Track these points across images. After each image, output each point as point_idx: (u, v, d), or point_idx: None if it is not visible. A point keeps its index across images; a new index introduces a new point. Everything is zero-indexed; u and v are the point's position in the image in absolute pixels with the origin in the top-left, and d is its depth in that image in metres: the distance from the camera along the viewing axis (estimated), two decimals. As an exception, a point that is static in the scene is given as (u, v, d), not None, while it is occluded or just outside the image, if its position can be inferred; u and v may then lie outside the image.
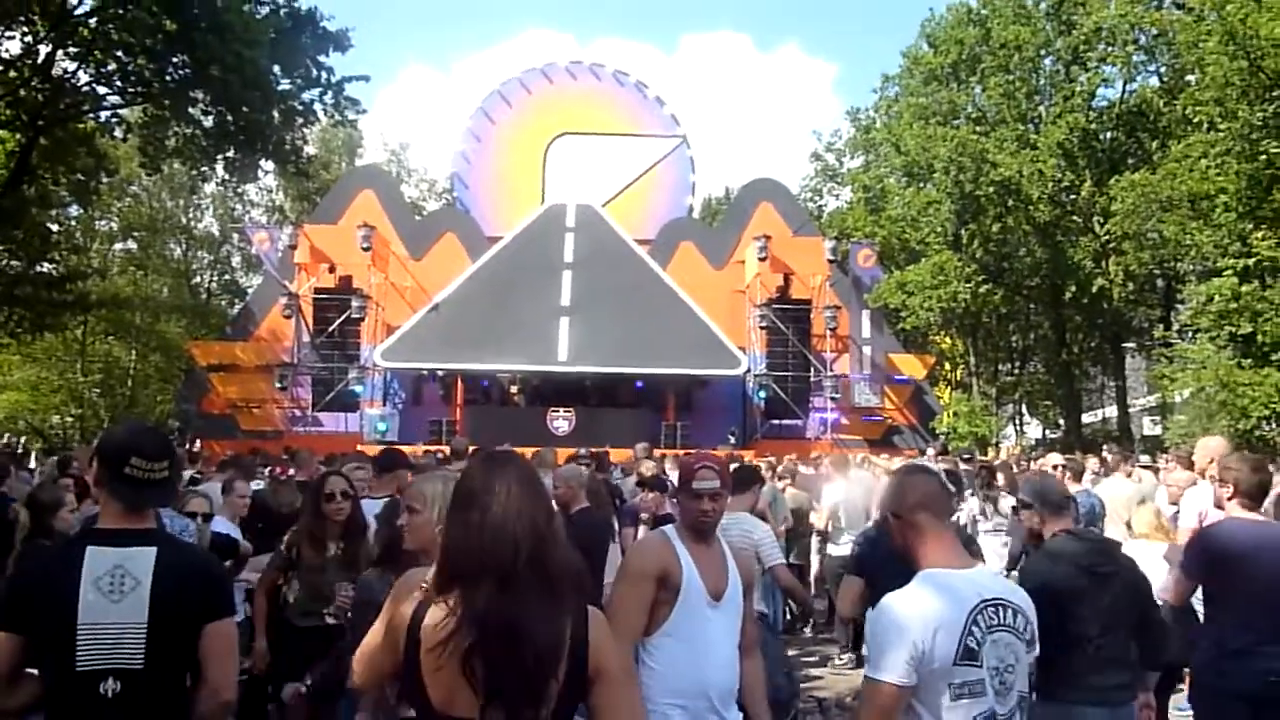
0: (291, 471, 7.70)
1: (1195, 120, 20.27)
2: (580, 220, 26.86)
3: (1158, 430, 27.06)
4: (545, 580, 1.99)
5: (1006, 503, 7.47)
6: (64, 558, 2.51)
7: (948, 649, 2.30)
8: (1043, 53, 25.56)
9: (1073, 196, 25.48)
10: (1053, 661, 3.62)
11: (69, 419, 36.31)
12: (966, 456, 15.37)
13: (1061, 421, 33.31)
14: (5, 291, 19.95)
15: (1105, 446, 17.89)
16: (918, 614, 2.32)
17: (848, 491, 8.83)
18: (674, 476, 7.17)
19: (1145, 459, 13.57)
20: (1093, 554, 3.73)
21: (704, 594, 3.11)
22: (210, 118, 21.07)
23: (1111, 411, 32.75)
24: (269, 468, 8.99)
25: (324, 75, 21.52)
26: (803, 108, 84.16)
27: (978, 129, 25.37)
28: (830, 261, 26.79)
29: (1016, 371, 36.12)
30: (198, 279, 42.51)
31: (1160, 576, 4.67)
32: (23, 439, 28.25)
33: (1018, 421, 38.72)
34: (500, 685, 1.92)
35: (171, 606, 2.44)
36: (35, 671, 2.48)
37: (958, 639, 2.30)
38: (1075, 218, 26.12)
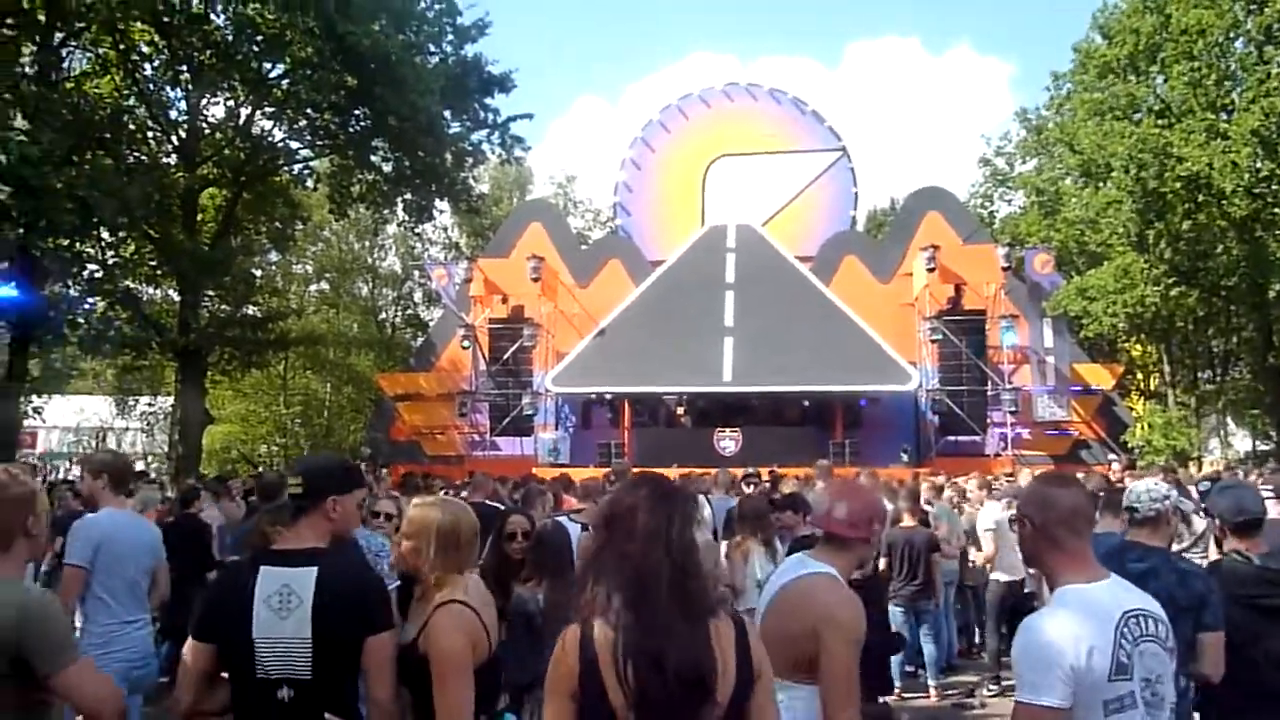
0: (464, 494, 8.08)
1: None
2: (740, 240, 26.97)
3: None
4: (683, 601, 2.10)
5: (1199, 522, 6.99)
6: (242, 577, 2.77)
7: (1102, 665, 2.26)
8: (1231, 35, 23.67)
9: (1274, 187, 23.41)
10: (1210, 697, 3.43)
11: (274, 447, 39.27)
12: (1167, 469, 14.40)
13: (1273, 433, 30.55)
14: (216, 333, 21.89)
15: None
16: (1069, 633, 2.28)
17: (1001, 513, 8.44)
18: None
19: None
20: (1261, 583, 3.47)
21: None
22: (389, 164, 22.58)
23: (1331, 419, 29.79)
24: (444, 489, 9.52)
25: (490, 116, 22.71)
26: (978, 110, 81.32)
27: (1160, 122, 23.74)
28: (1004, 269, 25.76)
29: (1218, 378, 33.44)
30: (383, 315, 45.17)
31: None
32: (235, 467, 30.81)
33: (1222, 433, 35.80)
34: (643, 701, 2.05)
35: (331, 622, 2.64)
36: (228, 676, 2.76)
37: (1110, 654, 2.27)
38: (1277, 210, 24.01)
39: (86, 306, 19.17)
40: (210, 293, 22.49)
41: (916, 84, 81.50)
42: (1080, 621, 2.30)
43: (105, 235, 20.29)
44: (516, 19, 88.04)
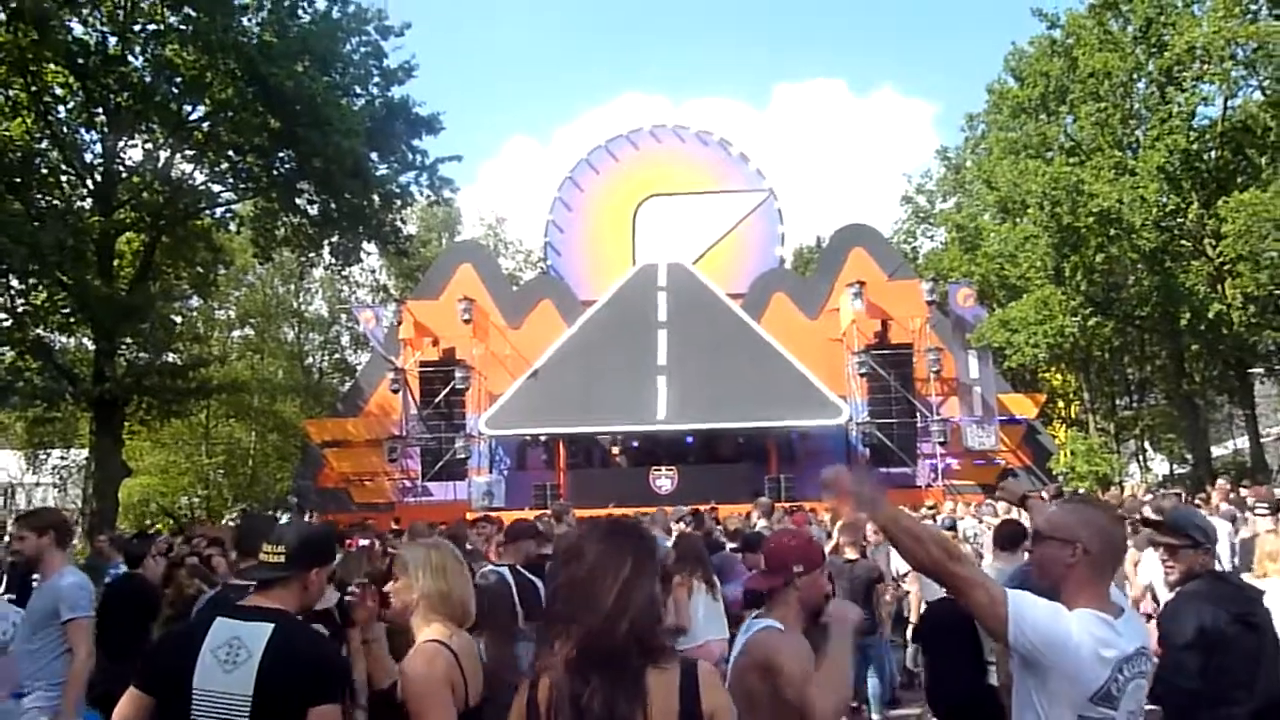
0: (364, 543, 7.65)
1: (1306, 132, 19.37)
2: (672, 279, 27.14)
3: (1295, 459, 25.46)
4: (620, 653, 2.03)
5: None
6: (196, 626, 2.67)
7: (1089, 682, 2.25)
8: (1134, 76, 24.80)
9: (1179, 220, 24.49)
10: (1191, 716, 3.42)
11: (196, 499, 37.99)
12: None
13: (1188, 456, 31.63)
14: (134, 382, 21.10)
15: (1243, 481, 16.94)
16: (1084, 631, 2.27)
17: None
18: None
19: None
20: (1245, 600, 3.52)
21: None
22: (315, 206, 22.23)
23: (1242, 442, 30.96)
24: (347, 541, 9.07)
25: (419, 158, 22.55)
26: (902, 150, 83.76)
27: (1071, 159, 24.68)
28: (929, 303, 26.35)
29: (1135, 405, 34.60)
30: (310, 360, 44.29)
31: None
32: (155, 521, 29.68)
33: (1141, 458, 36.95)
34: None
35: (277, 683, 2.50)
36: None
37: (1104, 679, 2.26)
38: (1184, 242, 25.07)
39: (-6, 357, 18.39)
40: (128, 340, 21.70)
41: (842, 124, 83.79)
42: (1093, 638, 2.28)
43: (15, 283, 19.51)
44: (446, 61, 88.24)
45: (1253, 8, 22.94)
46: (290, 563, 2.71)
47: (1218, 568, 3.86)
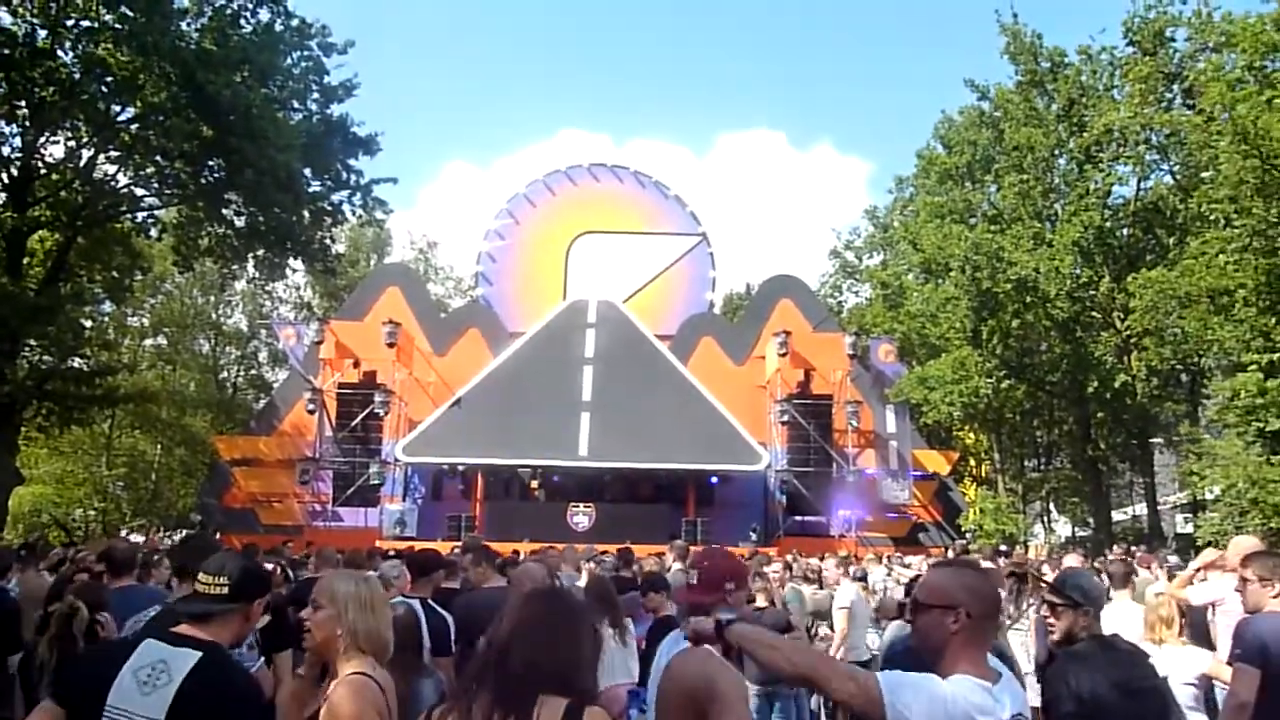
0: (269, 566, 7.51)
1: (1211, 217, 20.41)
2: (601, 316, 27.19)
3: (1190, 528, 26.48)
4: (506, 675, 2.17)
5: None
6: (123, 644, 2.64)
7: None
8: (1056, 152, 25.98)
9: (1091, 293, 25.55)
10: None
11: (92, 512, 36.43)
12: (1003, 552, 15.12)
13: (1090, 519, 32.69)
14: (35, 386, 20.24)
15: (1134, 546, 17.56)
16: (960, 697, 2.19)
17: (859, 593, 8.64)
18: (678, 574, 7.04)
19: (1174, 559, 13.25)
20: (1128, 665, 3.47)
21: None
22: (242, 218, 21.75)
23: (1141, 509, 32.13)
24: (278, 564, 8.91)
25: (353, 178, 22.29)
26: (835, 205, 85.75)
27: (993, 227, 25.65)
28: (851, 357, 26.85)
29: (1043, 467, 35.67)
30: (225, 374, 43.09)
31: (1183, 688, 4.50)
32: (45, 532, 28.32)
33: (1046, 519, 38.04)
34: None
35: (190, 712, 2.45)
36: None
37: None
38: (1095, 313, 26.13)
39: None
40: (32, 342, 20.83)
41: (780, 176, 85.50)
42: (967, 703, 2.20)
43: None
44: (390, 79, 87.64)
45: (1167, 96, 24.24)
46: (233, 596, 2.69)
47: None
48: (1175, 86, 24.15)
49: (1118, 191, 26.49)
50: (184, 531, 27.61)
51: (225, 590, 2.68)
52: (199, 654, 2.54)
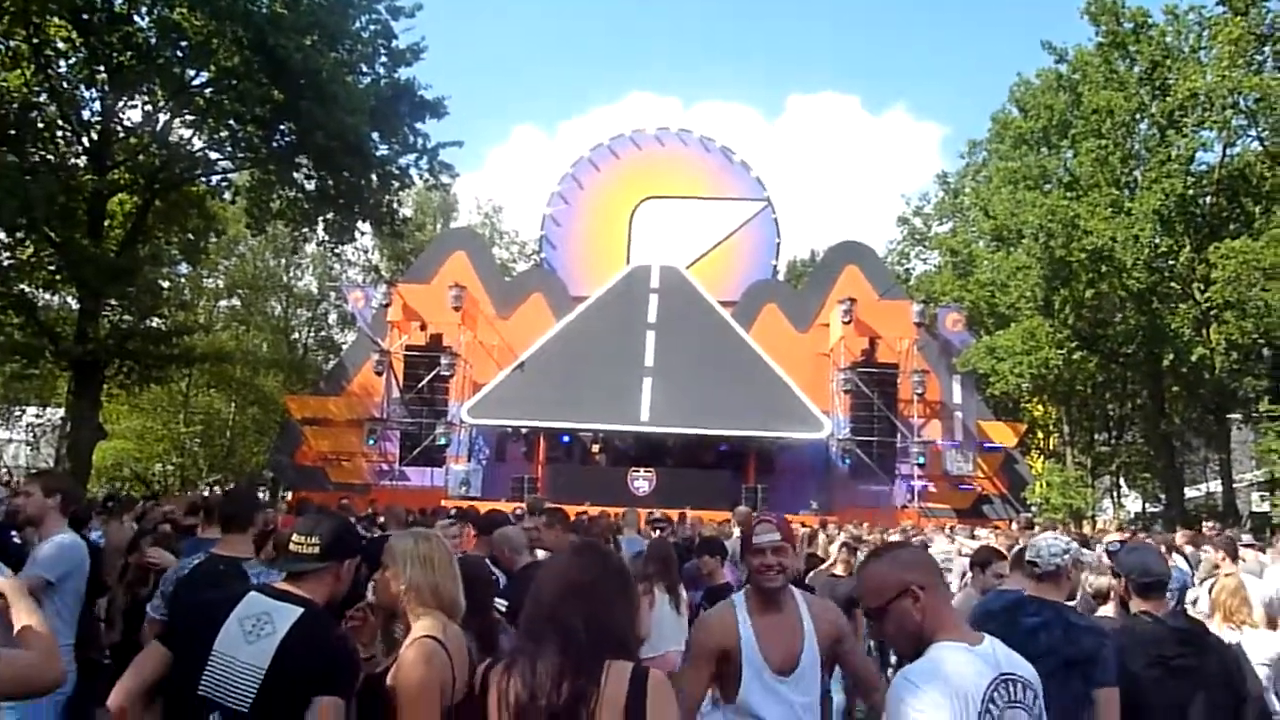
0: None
1: (1301, 185, 19.58)
2: (664, 282, 27.14)
3: (1265, 506, 25.68)
4: (570, 650, 2.17)
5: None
6: (230, 594, 2.73)
7: None
8: (1137, 117, 25.01)
9: (1170, 263, 24.70)
10: None
11: (170, 467, 37.72)
12: (1059, 526, 14.85)
13: (1162, 495, 31.87)
14: (116, 344, 20.90)
15: (1208, 523, 17.05)
16: (942, 687, 2.14)
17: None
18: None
19: (1248, 537, 12.85)
20: (1173, 643, 3.45)
21: (765, 668, 3.04)
22: (312, 182, 22.05)
23: (1216, 486, 31.22)
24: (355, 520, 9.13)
25: (420, 141, 22.40)
26: (907, 171, 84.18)
27: (1069, 194, 24.86)
28: (917, 325, 26.44)
29: (1113, 442, 34.81)
30: (296, 335, 44.02)
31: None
32: (128, 485, 29.44)
33: (1115, 494, 37.20)
34: None
35: (292, 664, 2.54)
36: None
37: (976, 717, 2.14)
38: (1173, 284, 25.27)
39: (-25, 308, 18.18)
40: (112, 302, 21.48)
41: (851, 140, 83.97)
42: (953, 679, 2.17)
43: (2, 236, 19.28)
44: (463, 42, 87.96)
45: (1257, 58, 23.16)
46: (324, 555, 2.77)
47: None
48: (1267, 49, 23.06)
49: (1201, 158, 25.49)
50: (258, 487, 28.43)
51: (316, 550, 2.76)
52: (301, 609, 2.64)
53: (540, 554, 5.45)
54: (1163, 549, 8.43)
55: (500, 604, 4.02)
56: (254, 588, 2.74)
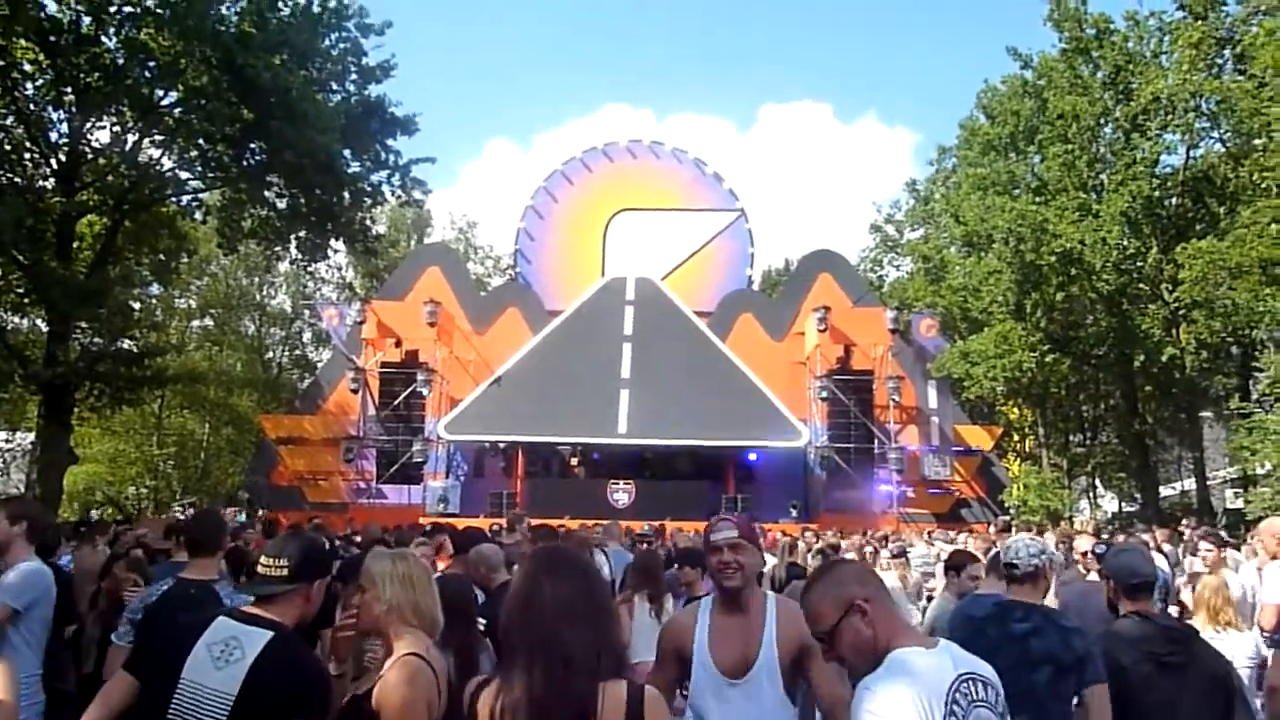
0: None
1: (1263, 185, 19.88)
2: (640, 293, 27.19)
3: (1239, 503, 25.99)
4: (565, 665, 2.10)
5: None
6: (197, 619, 2.67)
7: None
8: (1102, 121, 25.37)
9: (1139, 264, 25.02)
10: None
11: (144, 490, 37.28)
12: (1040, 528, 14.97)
13: (1137, 494, 32.19)
14: (87, 368, 20.66)
15: (1184, 521, 17.26)
16: (902, 698, 2.11)
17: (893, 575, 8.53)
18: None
19: (1223, 534, 13.00)
20: (1163, 641, 3.49)
21: (713, 670, 3.00)
22: (284, 200, 21.97)
23: (1190, 484, 31.58)
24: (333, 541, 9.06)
25: (392, 158, 22.39)
26: (881, 178, 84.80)
27: (1037, 199, 25.15)
28: (891, 331, 26.61)
29: (1088, 442, 35.12)
30: (270, 354, 43.74)
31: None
32: (100, 510, 29.03)
33: (1091, 494, 37.53)
34: None
35: (263, 690, 2.50)
36: None
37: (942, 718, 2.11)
38: (1142, 285, 25.59)
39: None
40: (83, 324, 21.26)
41: (824, 149, 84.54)
42: (914, 687, 2.14)
43: (-32, 260, 19.06)
44: (435, 57, 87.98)
45: (1218, 61, 23.56)
46: (293, 577, 2.73)
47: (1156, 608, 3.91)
48: (1226, 51, 23.44)
49: (1166, 160, 25.85)
50: (233, 509, 28.16)
51: (285, 572, 2.72)
52: (270, 633, 2.59)
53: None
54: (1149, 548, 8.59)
55: (480, 622, 4.00)
56: (222, 612, 2.70)
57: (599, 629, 2.17)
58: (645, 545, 9.41)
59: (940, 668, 2.20)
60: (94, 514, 29.52)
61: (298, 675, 2.56)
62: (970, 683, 2.21)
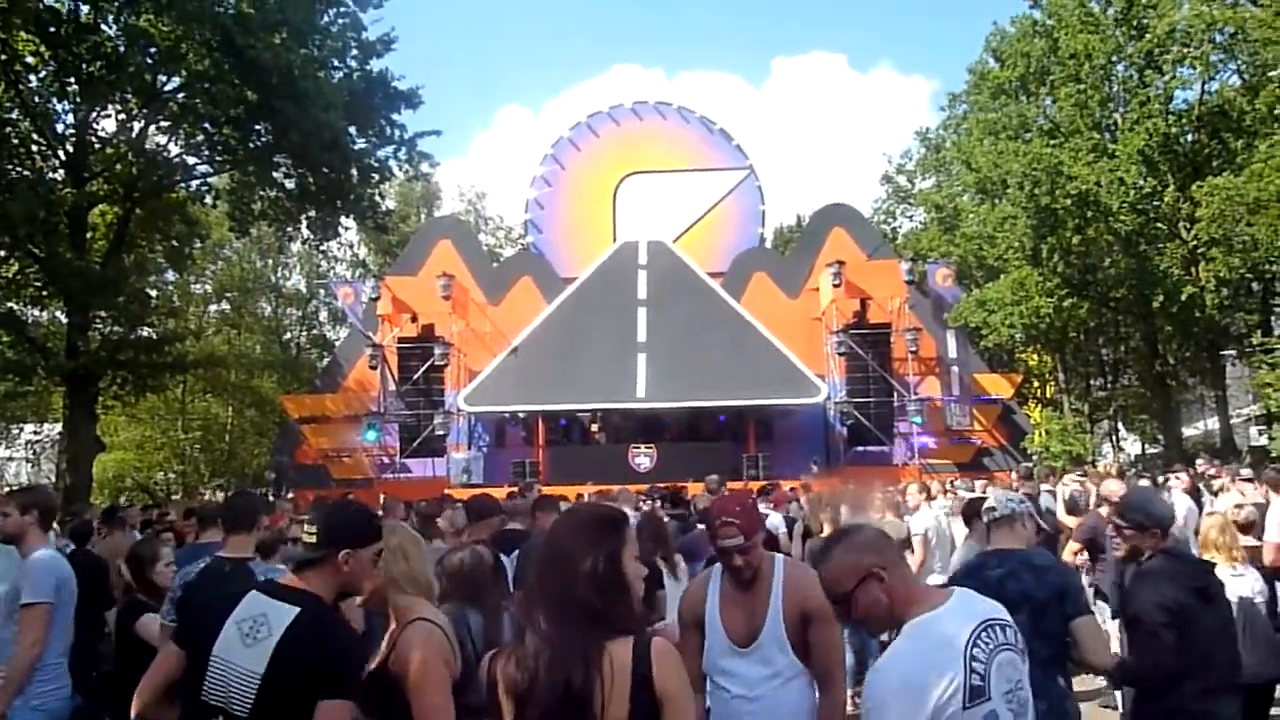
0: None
1: (1280, 117, 19.56)
2: (652, 257, 27.11)
3: (1264, 440, 25.83)
4: (570, 623, 2.11)
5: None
6: (231, 595, 2.61)
7: (956, 699, 2.08)
8: (1114, 59, 24.90)
9: (1155, 203, 24.69)
10: (1162, 694, 3.50)
11: (172, 475, 37.77)
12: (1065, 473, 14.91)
13: (1160, 436, 32.04)
14: (108, 356, 20.89)
15: (1200, 458, 17.14)
16: (920, 671, 2.12)
17: (933, 519, 8.54)
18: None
19: (1247, 472, 12.92)
20: (1203, 575, 3.62)
21: (724, 639, 3.07)
22: (292, 180, 22.00)
23: (1213, 423, 31.40)
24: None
25: (397, 133, 22.34)
26: (897, 128, 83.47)
27: (1050, 141, 24.79)
28: (907, 283, 26.42)
29: (1109, 386, 34.94)
30: (288, 335, 43.99)
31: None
32: (129, 496, 29.45)
33: (1114, 438, 37.39)
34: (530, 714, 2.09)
35: (290, 667, 2.43)
36: None
37: (962, 683, 2.09)
38: (1160, 225, 25.27)
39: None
40: (101, 314, 21.46)
41: (839, 100, 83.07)
42: (931, 656, 2.14)
43: (-15, 255, 19.25)
44: (444, 27, 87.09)
45: (1232, -9, 23.07)
46: (321, 543, 2.62)
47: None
48: (1241, -20, 22.96)
49: (1181, 96, 25.41)
50: (260, 489, 28.53)
51: (314, 539, 2.63)
52: (298, 609, 2.50)
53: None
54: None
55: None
56: (255, 586, 2.63)
57: (611, 586, 2.15)
58: (650, 506, 9.41)
59: (956, 628, 2.18)
60: (123, 500, 29.94)
61: (327, 652, 2.48)
62: (990, 629, 2.20)
